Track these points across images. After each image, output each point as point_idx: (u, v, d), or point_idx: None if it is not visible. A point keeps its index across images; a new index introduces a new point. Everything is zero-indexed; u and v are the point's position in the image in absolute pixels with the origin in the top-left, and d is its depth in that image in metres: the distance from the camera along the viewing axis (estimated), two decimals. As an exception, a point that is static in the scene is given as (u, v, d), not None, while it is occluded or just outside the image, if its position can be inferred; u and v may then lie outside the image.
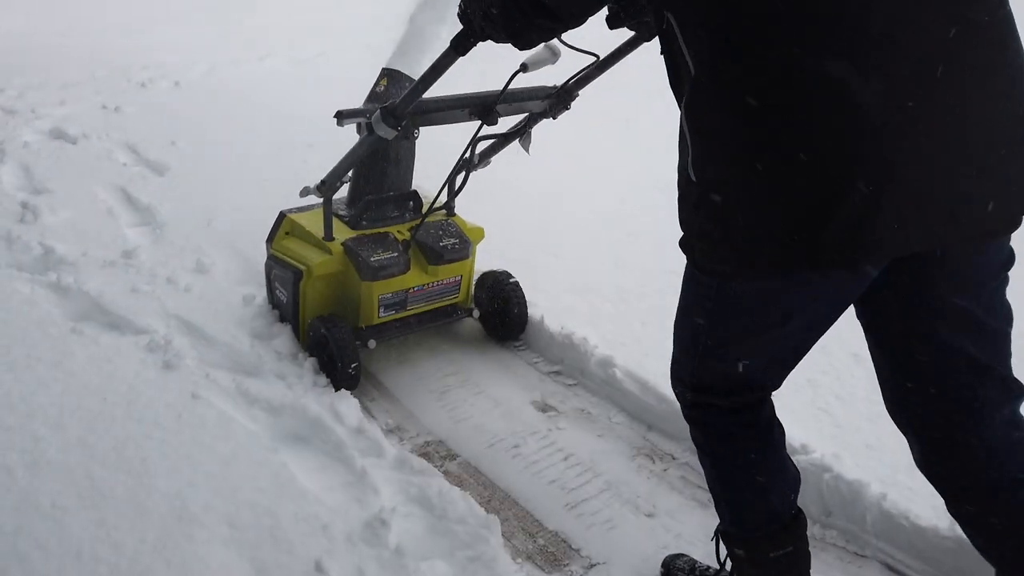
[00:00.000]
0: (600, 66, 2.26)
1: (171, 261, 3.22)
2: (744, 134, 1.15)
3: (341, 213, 2.65)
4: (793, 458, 1.61)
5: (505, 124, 2.42)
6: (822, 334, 1.38)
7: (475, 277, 2.85)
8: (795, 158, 1.11)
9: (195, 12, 10.30)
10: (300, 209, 2.74)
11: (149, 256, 3.25)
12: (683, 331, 1.46)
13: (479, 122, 2.25)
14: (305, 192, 2.56)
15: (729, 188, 1.19)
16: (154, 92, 6.21)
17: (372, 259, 2.44)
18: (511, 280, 2.84)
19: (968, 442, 1.32)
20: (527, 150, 2.37)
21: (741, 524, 1.57)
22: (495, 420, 2.48)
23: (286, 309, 2.66)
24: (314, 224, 2.59)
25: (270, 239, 2.74)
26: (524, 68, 2.14)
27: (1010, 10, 1.16)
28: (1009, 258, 1.29)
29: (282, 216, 2.71)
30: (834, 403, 2.33)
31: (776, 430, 1.54)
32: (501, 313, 2.85)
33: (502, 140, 2.49)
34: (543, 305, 2.92)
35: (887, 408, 1.42)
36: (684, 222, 1.30)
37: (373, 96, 2.61)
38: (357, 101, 2.64)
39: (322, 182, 2.46)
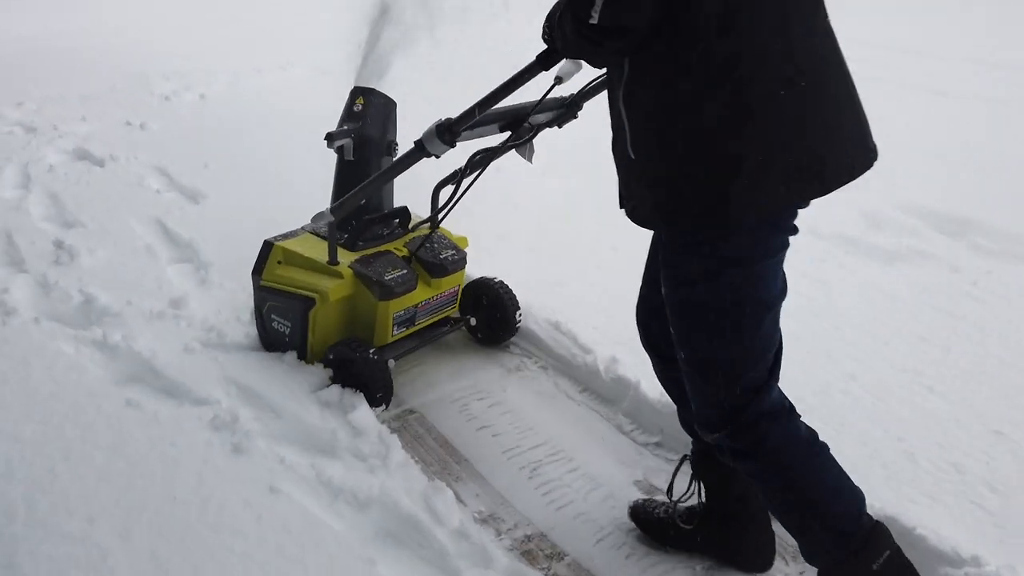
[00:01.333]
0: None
1: (222, 310, 2.97)
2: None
3: (324, 235, 2.55)
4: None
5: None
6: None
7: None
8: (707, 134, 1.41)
9: (207, 13, 10.02)
10: (284, 236, 2.68)
11: (199, 304, 3.00)
12: (707, 349, 1.58)
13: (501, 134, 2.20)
14: (319, 218, 2.46)
15: (717, 158, 1.41)
16: (179, 106, 5.94)
17: (386, 278, 2.43)
18: (496, 281, 2.90)
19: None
20: (530, 160, 2.28)
21: (841, 532, 1.56)
22: (598, 507, 2.24)
23: (289, 340, 2.59)
24: (311, 249, 2.56)
25: (257, 271, 2.62)
26: (559, 80, 2.04)
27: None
28: None
29: (269, 245, 2.62)
30: (988, 495, 2.08)
31: (808, 430, 1.65)
32: (496, 316, 2.89)
33: (499, 151, 2.33)
34: (629, 362, 2.67)
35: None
36: (669, 194, 1.47)
37: (351, 115, 2.62)
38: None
39: (339, 204, 2.37)
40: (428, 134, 2.06)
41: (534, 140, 2.28)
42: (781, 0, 1.40)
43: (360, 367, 2.47)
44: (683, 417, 1.93)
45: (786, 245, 1.56)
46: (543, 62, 1.79)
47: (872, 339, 2.96)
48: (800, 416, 1.64)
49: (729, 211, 1.42)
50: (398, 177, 2.42)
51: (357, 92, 2.66)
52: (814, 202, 1.51)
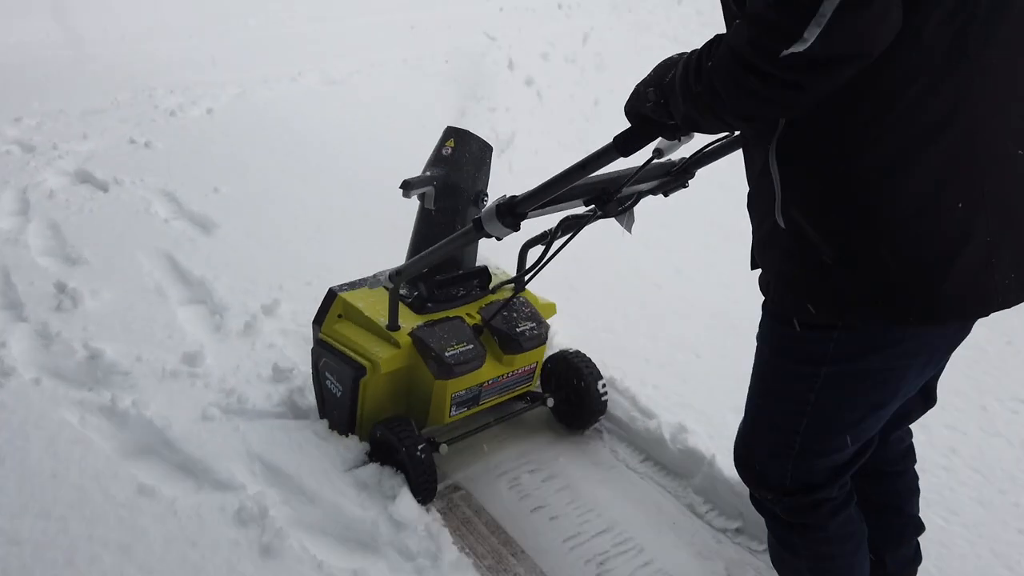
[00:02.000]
0: (733, 142, 1.74)
1: (241, 366, 2.69)
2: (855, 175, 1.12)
3: (401, 292, 2.27)
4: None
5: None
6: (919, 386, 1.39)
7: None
8: (916, 202, 1.10)
9: (209, 22, 9.72)
10: (351, 285, 2.41)
11: (215, 360, 2.72)
12: (770, 427, 1.39)
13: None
14: (376, 283, 2.33)
15: (844, 237, 1.15)
16: (185, 122, 5.65)
17: (447, 354, 2.12)
18: (582, 357, 2.52)
19: (884, 442, 1.52)
20: (629, 230, 1.89)
21: None
22: (680, 611, 1.96)
23: (339, 405, 2.29)
24: (372, 307, 2.27)
25: (318, 320, 2.36)
26: (659, 154, 1.77)
27: None
28: None
29: (332, 295, 2.36)
30: None
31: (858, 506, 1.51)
32: (577, 396, 2.50)
33: (594, 217, 1.89)
34: (701, 431, 2.39)
35: None
36: (781, 273, 1.26)
37: (439, 160, 2.31)
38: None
39: (397, 272, 2.13)
40: (488, 214, 1.75)
41: (635, 209, 1.88)
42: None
43: (403, 459, 2.17)
44: None
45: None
46: (622, 145, 1.39)
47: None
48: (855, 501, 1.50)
49: (935, 305, 1.14)
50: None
51: (450, 134, 2.34)
52: None
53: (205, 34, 8.92)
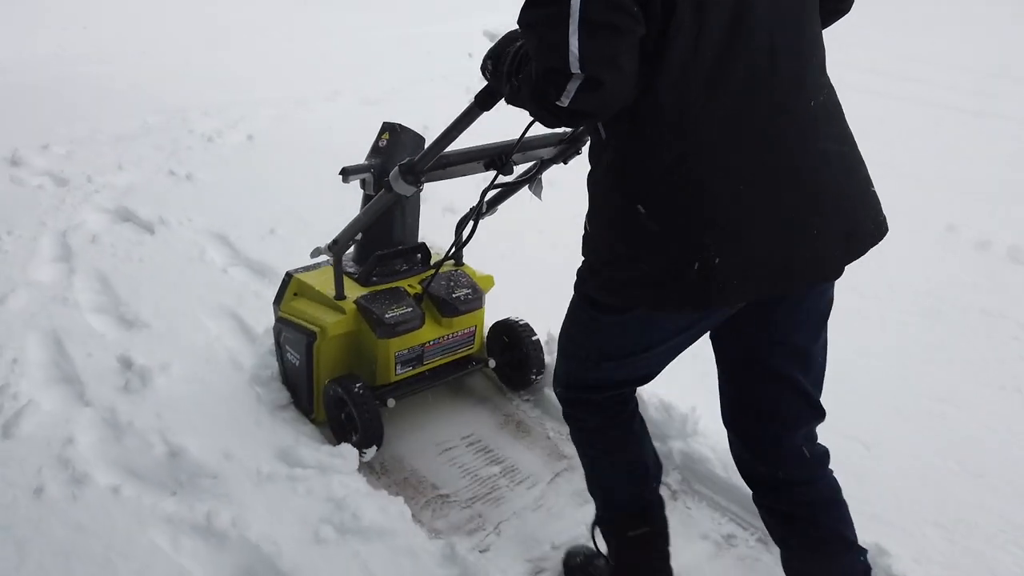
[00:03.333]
0: None
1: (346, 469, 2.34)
2: (621, 204, 1.44)
3: (350, 270, 2.62)
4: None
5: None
6: (683, 351, 1.67)
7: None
8: (653, 227, 1.40)
9: (230, 36, 9.36)
10: (306, 268, 2.70)
11: (310, 452, 2.36)
12: (568, 342, 1.75)
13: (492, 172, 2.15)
14: (316, 252, 2.51)
15: (612, 245, 1.48)
16: (224, 149, 5.30)
17: (387, 316, 2.40)
18: (520, 322, 2.79)
19: (777, 450, 1.69)
20: (539, 196, 2.28)
21: (608, 506, 1.89)
22: None
23: (298, 373, 2.54)
24: (323, 283, 2.55)
25: (277, 300, 2.67)
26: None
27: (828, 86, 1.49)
28: (831, 300, 1.61)
29: (289, 277, 2.66)
30: None
31: (637, 422, 1.86)
32: (518, 360, 2.78)
33: (512, 187, 2.36)
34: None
35: (722, 415, 1.75)
36: (584, 257, 1.59)
37: (376, 151, 2.59)
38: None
39: (334, 241, 2.44)
40: (394, 176, 2.09)
41: (543, 176, 2.27)
42: (746, 91, 1.35)
43: (351, 409, 2.40)
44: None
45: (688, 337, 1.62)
46: (482, 103, 1.77)
47: None
48: (638, 422, 1.87)
49: (677, 298, 1.44)
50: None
51: (385, 128, 2.63)
52: None
53: (229, 48, 8.56)
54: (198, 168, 4.88)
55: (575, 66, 1.24)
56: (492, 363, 2.77)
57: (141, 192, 4.52)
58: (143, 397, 2.61)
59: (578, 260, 1.61)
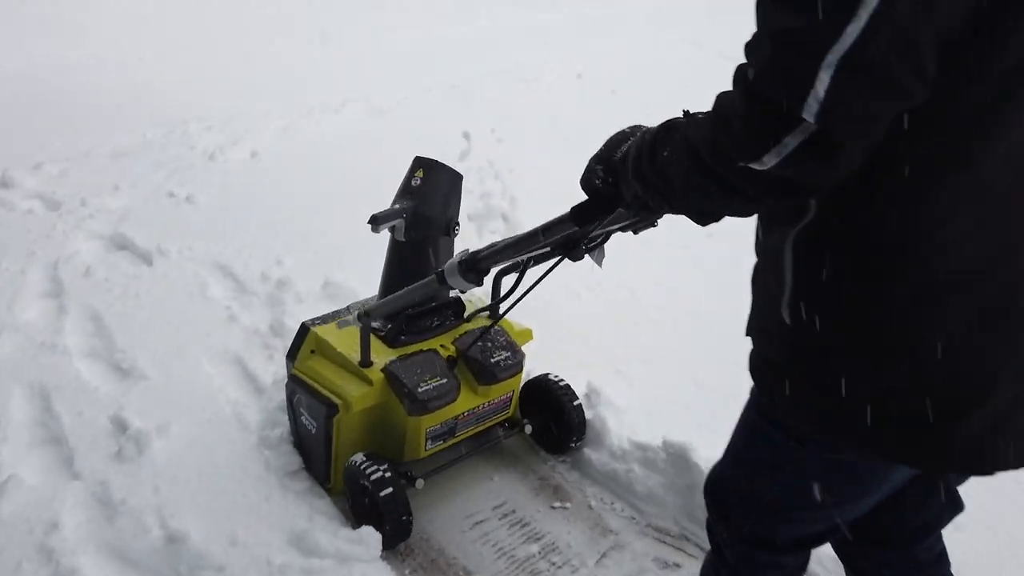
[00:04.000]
0: None
1: (364, 549, 2.06)
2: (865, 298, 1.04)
3: (374, 324, 2.26)
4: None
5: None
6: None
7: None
8: (937, 344, 1.02)
9: (230, 44, 9.08)
10: (323, 319, 2.40)
11: (327, 537, 2.08)
12: (740, 480, 1.36)
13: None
14: (345, 324, 2.30)
15: (834, 354, 1.08)
16: (227, 168, 5.01)
17: (420, 389, 2.10)
18: (560, 383, 2.53)
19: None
20: (599, 263, 1.89)
21: None
22: None
23: (314, 441, 2.25)
24: (345, 342, 2.24)
25: (291, 355, 2.37)
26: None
27: None
28: None
29: (305, 330, 2.34)
30: None
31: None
32: (556, 420, 2.51)
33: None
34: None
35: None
36: (764, 356, 1.20)
37: (408, 191, 2.25)
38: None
39: (366, 313, 2.14)
40: (451, 269, 1.80)
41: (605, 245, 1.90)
42: None
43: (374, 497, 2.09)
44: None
45: None
46: (582, 216, 1.38)
47: None
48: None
49: (936, 454, 1.07)
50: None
51: (418, 164, 2.29)
52: None
53: (230, 57, 8.27)
54: (199, 189, 4.59)
55: (810, 111, 0.84)
56: (528, 428, 2.51)
57: (138, 217, 4.24)
58: (139, 466, 2.33)
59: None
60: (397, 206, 2.24)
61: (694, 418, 2.59)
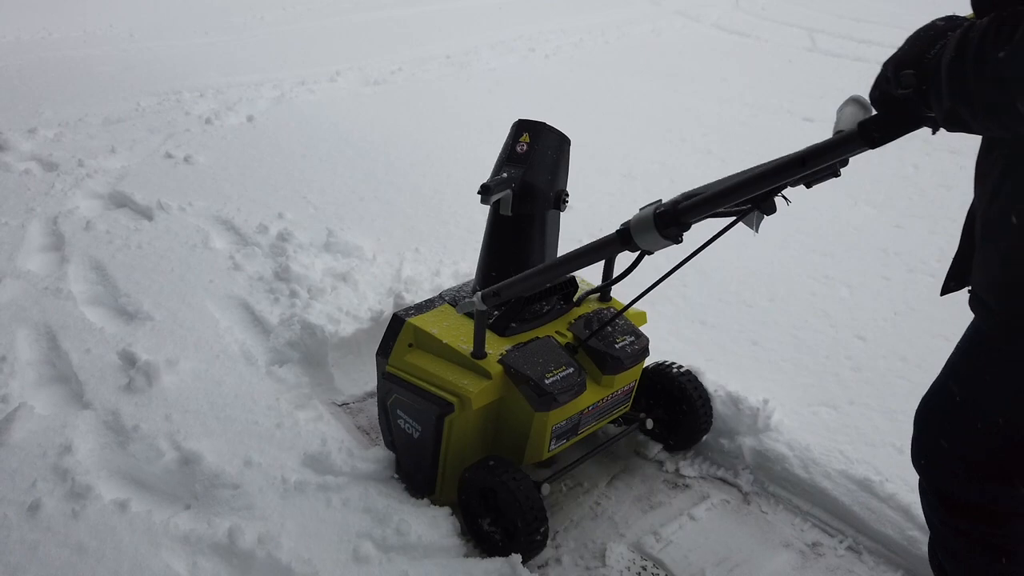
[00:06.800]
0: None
1: (381, 463, 2.07)
2: None
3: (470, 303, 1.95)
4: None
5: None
6: None
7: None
8: None
9: (221, 17, 9.03)
10: (417, 308, 2.09)
11: (342, 457, 2.09)
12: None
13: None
14: (466, 306, 1.93)
15: None
16: (223, 131, 4.98)
17: (547, 381, 1.83)
18: (681, 370, 2.27)
19: None
20: (756, 229, 1.55)
21: None
22: None
23: (418, 447, 1.98)
24: (449, 332, 1.96)
25: (383, 352, 2.05)
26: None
27: None
28: None
29: (400, 321, 2.03)
30: None
31: None
32: (679, 413, 2.24)
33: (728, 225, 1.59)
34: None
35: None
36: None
37: (513, 158, 2.01)
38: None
39: (494, 293, 1.79)
40: (643, 223, 1.43)
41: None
42: None
43: (507, 495, 1.83)
44: None
45: None
46: (868, 133, 1.11)
47: None
48: None
49: None
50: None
51: (522, 128, 2.04)
52: None
53: (221, 31, 8.22)
54: (197, 151, 4.57)
55: None
56: (650, 423, 2.24)
57: (136, 176, 4.22)
58: (149, 397, 2.33)
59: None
60: (504, 175, 1.99)
61: (702, 351, 2.63)
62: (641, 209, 1.46)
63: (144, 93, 5.79)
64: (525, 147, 2.01)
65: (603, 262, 2.02)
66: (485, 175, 2.07)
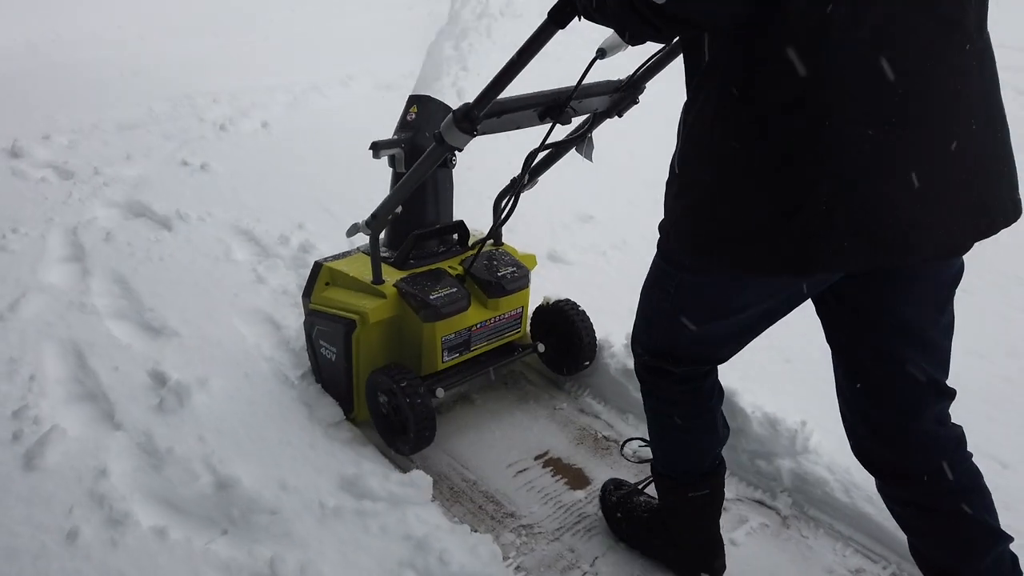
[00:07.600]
0: (671, 52, 1.90)
1: (413, 482, 2.05)
2: (724, 140, 1.23)
3: (384, 255, 2.41)
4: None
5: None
6: (775, 322, 1.52)
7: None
8: (761, 170, 1.20)
9: (227, 19, 8.99)
10: (335, 257, 2.52)
11: (378, 481, 2.07)
12: (646, 303, 1.63)
13: (542, 128, 1.99)
14: (353, 230, 2.30)
15: (702, 188, 1.29)
16: (239, 137, 4.97)
17: (431, 297, 2.23)
18: (573, 307, 2.62)
19: (904, 437, 1.49)
20: (589, 157, 2.07)
21: (670, 468, 1.82)
22: None
23: (335, 368, 2.36)
24: (357, 269, 2.38)
25: (307, 293, 2.49)
26: (602, 54, 1.78)
27: (987, 42, 1.22)
28: (958, 274, 1.40)
29: (318, 266, 2.47)
30: None
31: (715, 397, 1.74)
32: (567, 343, 2.60)
33: (560, 148, 2.19)
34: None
35: (838, 400, 1.59)
36: (665, 208, 1.40)
37: (405, 125, 2.42)
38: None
39: (373, 216, 2.20)
40: (447, 126, 1.81)
41: (593, 134, 2.08)
42: (893, 20, 1.12)
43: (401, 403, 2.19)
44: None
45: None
46: (558, 17, 1.49)
47: None
48: (716, 397, 1.74)
49: (758, 253, 1.24)
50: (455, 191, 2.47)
51: (412, 101, 2.47)
52: None
53: (229, 33, 8.19)
54: (213, 158, 4.55)
55: None
56: (541, 347, 2.60)
57: (153, 184, 4.20)
58: (181, 418, 2.32)
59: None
60: (395, 137, 2.38)
61: (735, 369, 2.60)
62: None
63: (156, 98, 5.77)
64: (414, 116, 2.39)
65: (493, 209, 2.43)
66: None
